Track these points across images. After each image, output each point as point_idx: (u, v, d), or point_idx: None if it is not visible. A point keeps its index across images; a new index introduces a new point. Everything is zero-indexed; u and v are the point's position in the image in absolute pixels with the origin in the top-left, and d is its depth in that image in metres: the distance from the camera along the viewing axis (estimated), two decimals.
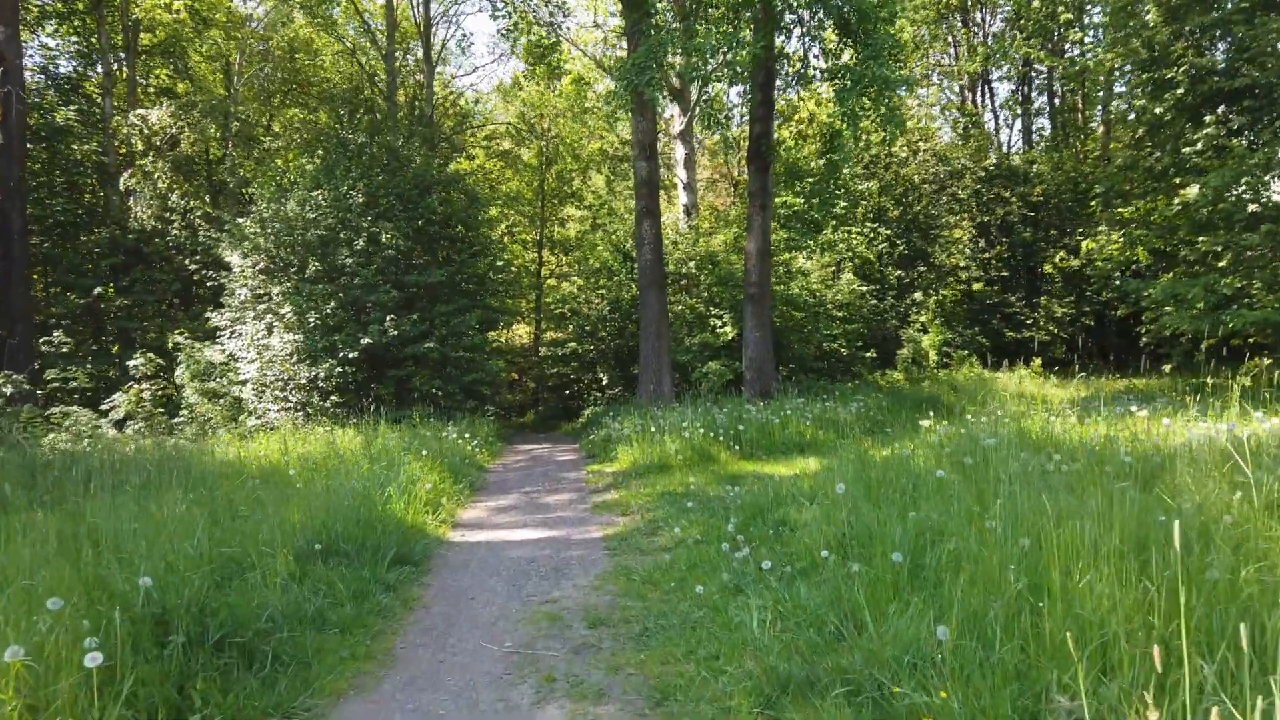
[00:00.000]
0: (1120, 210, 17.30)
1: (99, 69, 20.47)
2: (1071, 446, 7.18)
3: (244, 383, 15.42)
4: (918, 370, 22.38)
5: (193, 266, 17.21)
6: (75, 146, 18.75)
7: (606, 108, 17.43)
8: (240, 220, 16.77)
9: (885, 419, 14.06)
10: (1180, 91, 15.09)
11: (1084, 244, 17.99)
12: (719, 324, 18.61)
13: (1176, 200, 14.71)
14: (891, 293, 24.94)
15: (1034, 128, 29.53)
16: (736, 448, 11.22)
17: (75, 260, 18.23)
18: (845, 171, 23.05)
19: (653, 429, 11.56)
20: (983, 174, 24.47)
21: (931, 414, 10.14)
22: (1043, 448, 7.13)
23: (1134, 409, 8.71)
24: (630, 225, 23.82)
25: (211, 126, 18.52)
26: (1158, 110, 15.38)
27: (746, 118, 17.61)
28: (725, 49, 12.33)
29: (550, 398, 26.61)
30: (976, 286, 25.35)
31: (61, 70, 21.34)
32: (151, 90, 21.78)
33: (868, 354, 22.50)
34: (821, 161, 17.75)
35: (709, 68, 12.86)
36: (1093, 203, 19.05)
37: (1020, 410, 10.01)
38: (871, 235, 24.78)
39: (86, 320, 18.54)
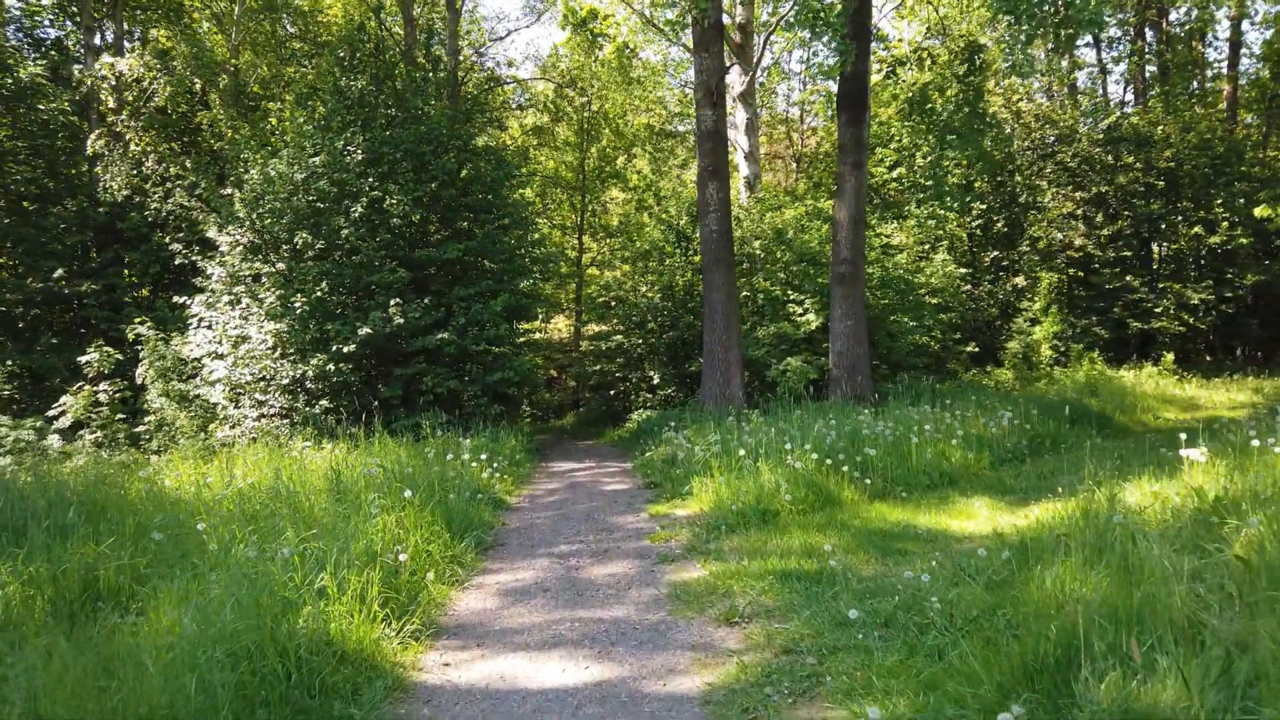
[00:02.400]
0: None
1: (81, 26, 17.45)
2: None
3: (215, 383, 12.17)
4: (1027, 368, 18.47)
5: (176, 246, 14.02)
6: (42, 106, 15.69)
7: (673, 11, 13.79)
8: (227, 192, 13.56)
9: (1046, 436, 10.33)
10: None
11: (1258, 210, 14.08)
12: (798, 311, 14.94)
13: None
14: (988, 277, 21.02)
15: (1137, 87, 25.23)
16: (865, 481, 7.59)
17: (40, 238, 15.17)
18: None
19: (740, 452, 7.97)
20: (1099, 136, 20.36)
21: (1187, 448, 6.40)
22: None
23: None
24: (685, 201, 20.23)
25: (195, 80, 15.32)
26: None
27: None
28: None
29: (592, 398, 23.16)
30: (1075, 271, 21.27)
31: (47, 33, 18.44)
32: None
33: (967, 348, 18.64)
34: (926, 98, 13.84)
35: None
36: None
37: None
38: (962, 209, 20.88)
39: (51, 307, 15.50)
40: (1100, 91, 24.76)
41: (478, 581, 5.77)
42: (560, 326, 30.20)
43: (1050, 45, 9.47)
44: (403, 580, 5.21)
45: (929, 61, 13.88)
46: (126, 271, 16.25)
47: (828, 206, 17.91)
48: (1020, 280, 20.66)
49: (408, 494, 6.27)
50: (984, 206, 20.99)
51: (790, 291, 15.13)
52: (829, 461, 7.56)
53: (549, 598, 5.27)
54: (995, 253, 21.31)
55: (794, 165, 25.96)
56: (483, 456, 9.02)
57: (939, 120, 13.03)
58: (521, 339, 14.53)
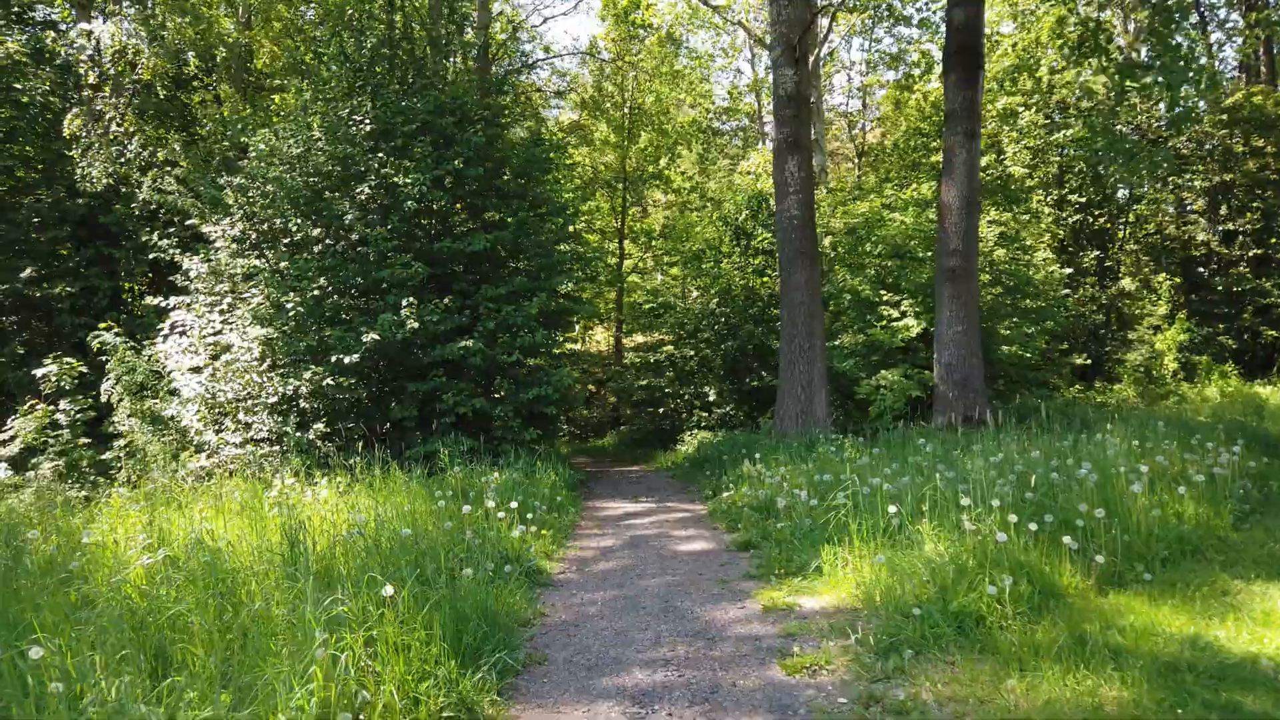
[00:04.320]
0: None
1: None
2: None
3: (189, 402, 9.84)
4: (1149, 382, 15.61)
5: (164, 242, 11.77)
6: (19, 85, 13.64)
7: None
8: (225, 179, 11.35)
9: (1271, 477, 7.60)
10: None
11: None
12: (894, 315, 12.31)
13: None
14: (1089, 279, 18.18)
15: (1253, 66, 22.21)
16: (1096, 558, 4.94)
17: (10, 234, 13.06)
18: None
19: (889, 510, 5.35)
20: (1221, 118, 17.47)
21: None
22: None
23: None
24: (744, 194, 17.72)
25: (189, 53, 13.16)
26: None
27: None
28: None
29: (634, 415, 20.60)
30: (1188, 273, 18.31)
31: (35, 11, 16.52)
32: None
33: (1076, 359, 15.84)
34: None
35: None
36: None
37: None
38: (1059, 202, 18.14)
39: (24, 313, 13.36)
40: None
41: None
42: (599, 338, 27.76)
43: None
44: None
45: None
46: (122, 273, 14.13)
47: (911, 195, 15.29)
48: (1127, 283, 17.81)
49: (388, 590, 3.77)
50: (1081, 199, 18.18)
51: (883, 291, 12.50)
52: (1032, 526, 4.93)
53: None
54: (1095, 252, 18.47)
55: (855, 161, 23.31)
56: (513, 504, 6.52)
57: (1114, 59, 10.21)
58: (559, 349, 12.07)
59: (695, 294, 18.58)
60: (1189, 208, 17.83)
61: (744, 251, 16.61)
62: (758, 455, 8.90)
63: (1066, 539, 4.81)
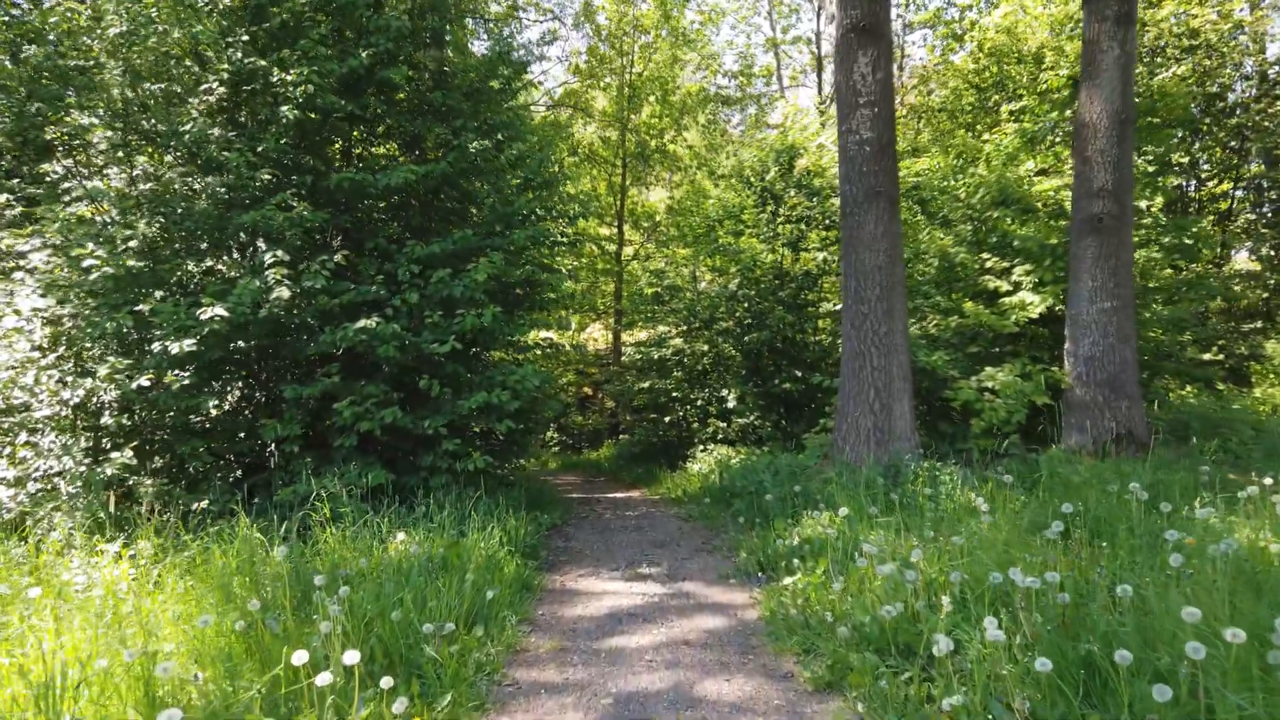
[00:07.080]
0: None
1: None
2: None
3: None
4: None
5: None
6: None
7: None
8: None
9: None
10: None
11: None
12: (1002, 287, 8.57)
13: None
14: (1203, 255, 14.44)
15: None
16: None
17: None
18: None
19: None
20: None
21: None
22: None
23: None
24: (769, 150, 13.97)
25: None
26: None
27: None
28: None
29: (635, 423, 16.84)
30: None
31: None
32: None
33: (1201, 354, 12.13)
34: None
35: None
36: None
37: None
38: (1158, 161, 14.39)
39: None
40: None
41: None
42: (595, 336, 24.11)
43: None
44: None
45: None
46: None
47: (992, 148, 11.59)
48: (1247, 259, 14.11)
49: None
50: (1183, 159, 14.48)
51: (985, 254, 8.77)
52: None
53: None
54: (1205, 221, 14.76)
55: (917, 122, 19.54)
56: (352, 655, 2.83)
57: None
58: (522, 335, 8.27)
59: (708, 277, 14.94)
60: None
61: (771, 220, 12.93)
62: (837, 504, 5.19)
63: None
